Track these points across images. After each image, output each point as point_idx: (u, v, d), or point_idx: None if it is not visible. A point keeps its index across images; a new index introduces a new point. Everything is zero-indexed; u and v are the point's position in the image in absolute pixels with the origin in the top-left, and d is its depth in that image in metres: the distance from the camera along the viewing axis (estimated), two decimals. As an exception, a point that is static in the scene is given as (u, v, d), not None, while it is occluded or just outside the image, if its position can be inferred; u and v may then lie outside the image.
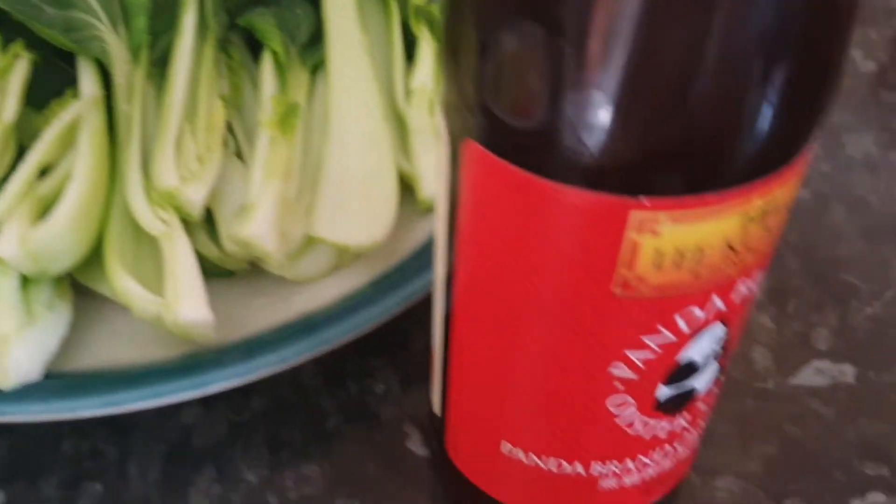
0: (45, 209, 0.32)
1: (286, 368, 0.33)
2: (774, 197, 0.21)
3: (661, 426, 0.25)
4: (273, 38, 0.39)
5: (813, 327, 0.39)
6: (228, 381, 0.32)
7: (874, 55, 0.55)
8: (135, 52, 0.37)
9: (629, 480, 0.27)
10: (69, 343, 0.34)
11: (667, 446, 0.26)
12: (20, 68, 0.34)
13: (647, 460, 0.27)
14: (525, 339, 0.23)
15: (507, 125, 0.20)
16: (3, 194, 0.32)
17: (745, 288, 0.22)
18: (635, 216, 0.20)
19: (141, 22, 0.37)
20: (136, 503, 0.33)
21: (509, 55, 0.19)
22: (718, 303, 0.22)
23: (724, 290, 0.22)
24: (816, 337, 0.39)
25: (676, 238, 0.20)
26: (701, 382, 0.25)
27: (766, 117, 0.19)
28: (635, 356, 0.23)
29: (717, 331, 0.23)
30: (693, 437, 0.28)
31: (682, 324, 0.22)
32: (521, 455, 0.27)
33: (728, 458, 0.34)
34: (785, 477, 0.34)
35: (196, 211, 0.34)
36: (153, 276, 0.33)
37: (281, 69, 0.39)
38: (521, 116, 0.20)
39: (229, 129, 0.38)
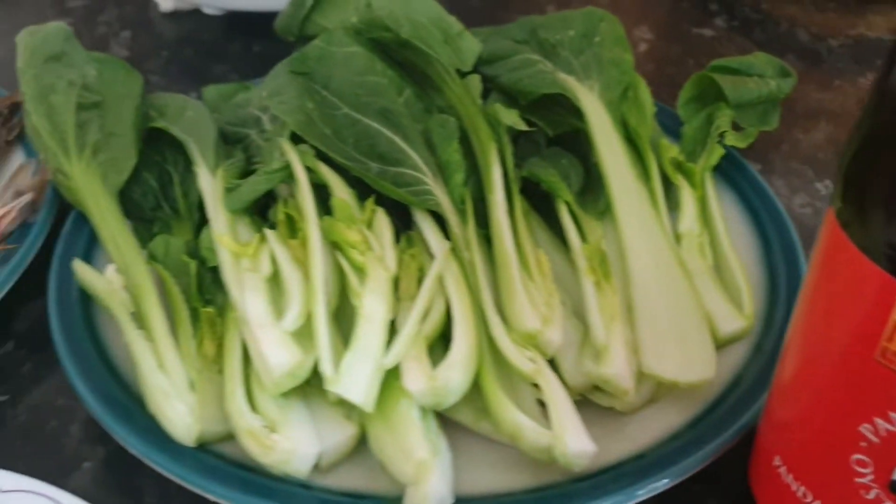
0: (428, 347, 0.36)
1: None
2: None
3: None
4: (561, 188, 0.43)
5: None
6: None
7: None
8: (457, 206, 0.41)
9: None
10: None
11: None
12: (381, 221, 0.38)
13: None
14: (811, 383, 0.30)
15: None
16: (400, 337, 0.35)
17: None
18: None
19: (458, 178, 0.41)
20: None
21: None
22: None
23: None
24: None
25: None
26: None
27: None
28: (882, 424, 0.27)
29: None
30: None
31: None
32: (783, 472, 0.32)
33: None
34: None
35: (551, 350, 0.37)
36: (530, 410, 0.36)
37: (575, 218, 0.43)
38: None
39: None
